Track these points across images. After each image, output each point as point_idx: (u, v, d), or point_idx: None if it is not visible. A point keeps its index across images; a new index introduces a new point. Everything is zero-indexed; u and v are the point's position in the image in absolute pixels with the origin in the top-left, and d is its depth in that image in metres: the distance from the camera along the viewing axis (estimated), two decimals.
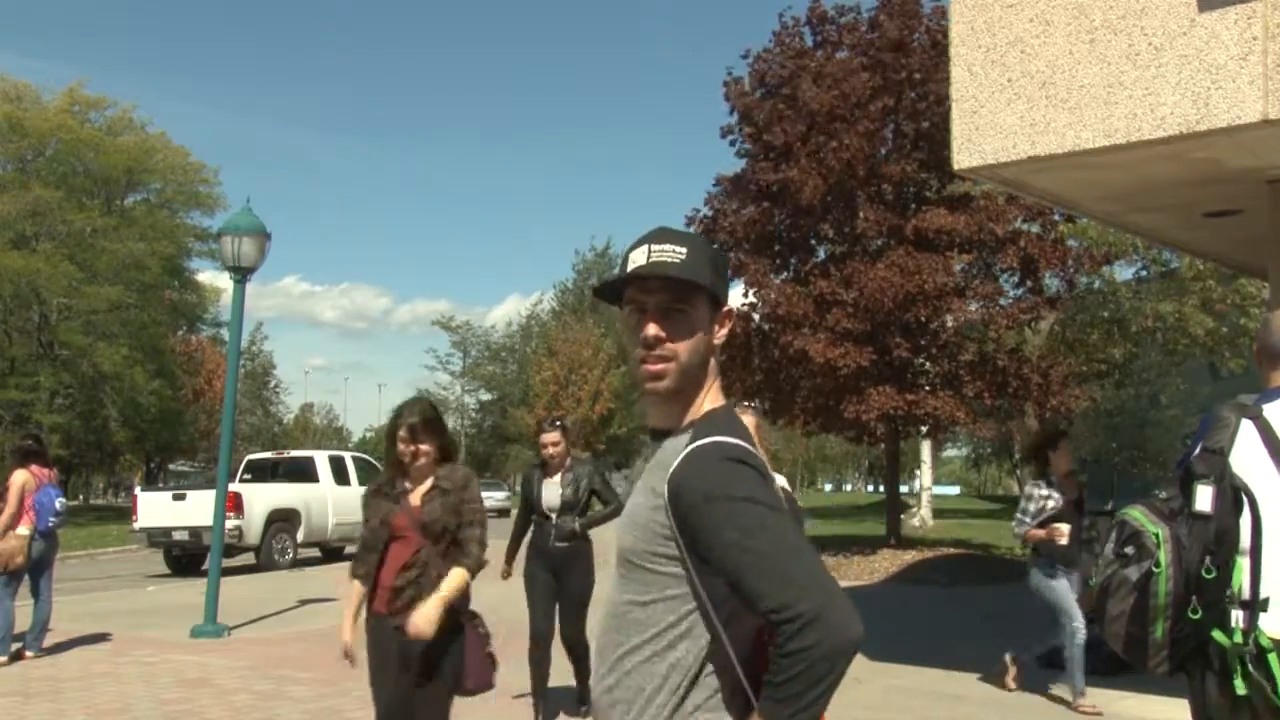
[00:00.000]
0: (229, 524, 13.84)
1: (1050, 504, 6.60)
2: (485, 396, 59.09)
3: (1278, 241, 6.55)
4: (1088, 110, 5.65)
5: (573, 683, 6.39)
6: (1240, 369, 20.66)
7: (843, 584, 2.51)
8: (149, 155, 34.64)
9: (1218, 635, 2.52)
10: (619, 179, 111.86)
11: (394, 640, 3.84)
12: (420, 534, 3.88)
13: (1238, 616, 2.52)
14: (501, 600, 6.62)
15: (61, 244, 31.07)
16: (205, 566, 12.01)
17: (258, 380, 58.27)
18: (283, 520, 17.05)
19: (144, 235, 32.63)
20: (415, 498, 3.97)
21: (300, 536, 17.35)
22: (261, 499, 16.79)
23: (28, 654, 8.34)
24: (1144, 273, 21.45)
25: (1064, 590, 6.56)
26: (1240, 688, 2.49)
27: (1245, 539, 2.54)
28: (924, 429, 17.59)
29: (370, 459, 20.78)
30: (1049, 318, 19.64)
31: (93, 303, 30.11)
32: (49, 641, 8.66)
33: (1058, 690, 6.93)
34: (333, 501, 17.96)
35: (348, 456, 19.77)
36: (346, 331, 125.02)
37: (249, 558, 16.72)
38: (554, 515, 6.22)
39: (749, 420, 3.24)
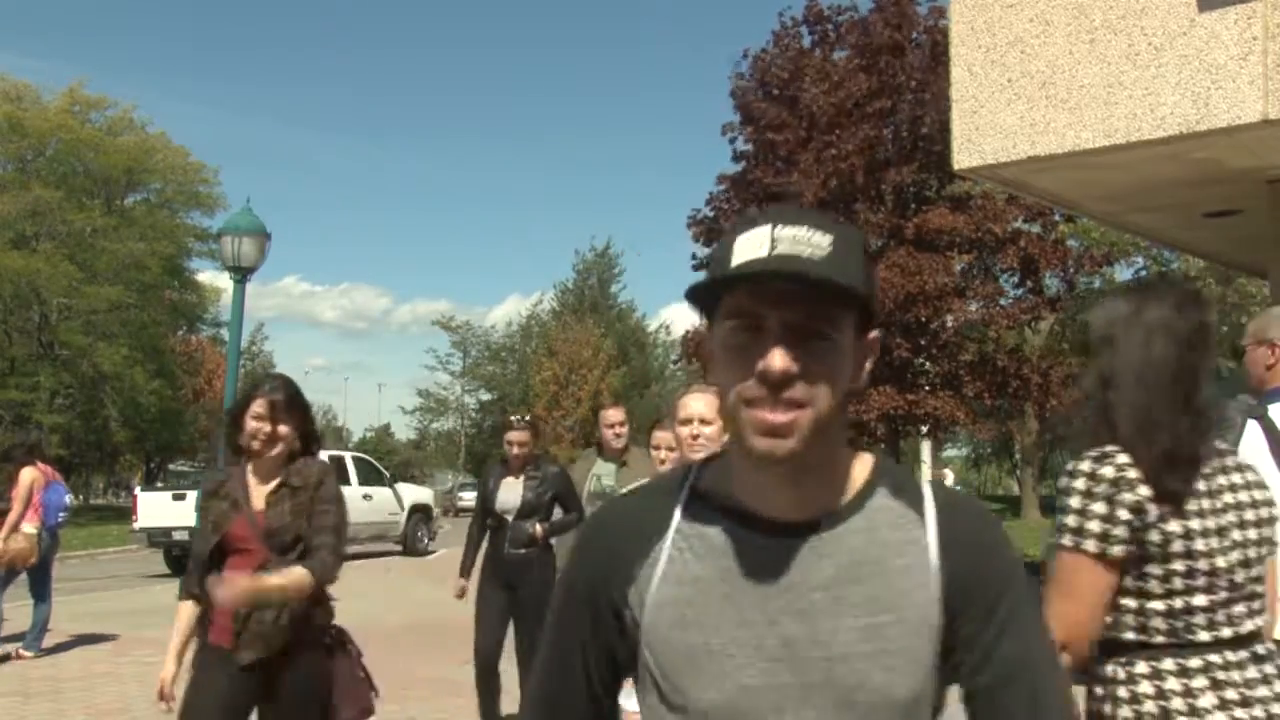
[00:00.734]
0: None
1: None
2: (485, 396, 59.08)
3: (1278, 241, 6.55)
4: (1088, 110, 5.66)
5: None
6: (1243, 371, 20.66)
7: None
8: (149, 155, 34.67)
9: None
10: (619, 179, 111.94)
11: (226, 681, 3.12)
12: (264, 545, 3.17)
13: None
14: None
15: (61, 244, 31.10)
16: None
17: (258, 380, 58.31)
18: None
19: (144, 235, 32.67)
20: (258, 499, 3.25)
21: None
22: None
23: (26, 654, 8.30)
24: (1143, 273, 21.45)
25: None
26: None
27: None
28: (924, 429, 17.60)
29: (370, 459, 20.79)
30: (1049, 318, 19.66)
31: (93, 303, 30.14)
32: (49, 642, 8.65)
33: None
34: None
35: (348, 456, 19.77)
36: (346, 331, 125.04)
37: None
38: (510, 518, 5.65)
39: (712, 400, 2.93)
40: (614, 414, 5.89)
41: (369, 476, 19.10)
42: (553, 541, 5.74)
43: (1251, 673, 1.87)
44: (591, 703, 1.19)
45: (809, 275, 1.02)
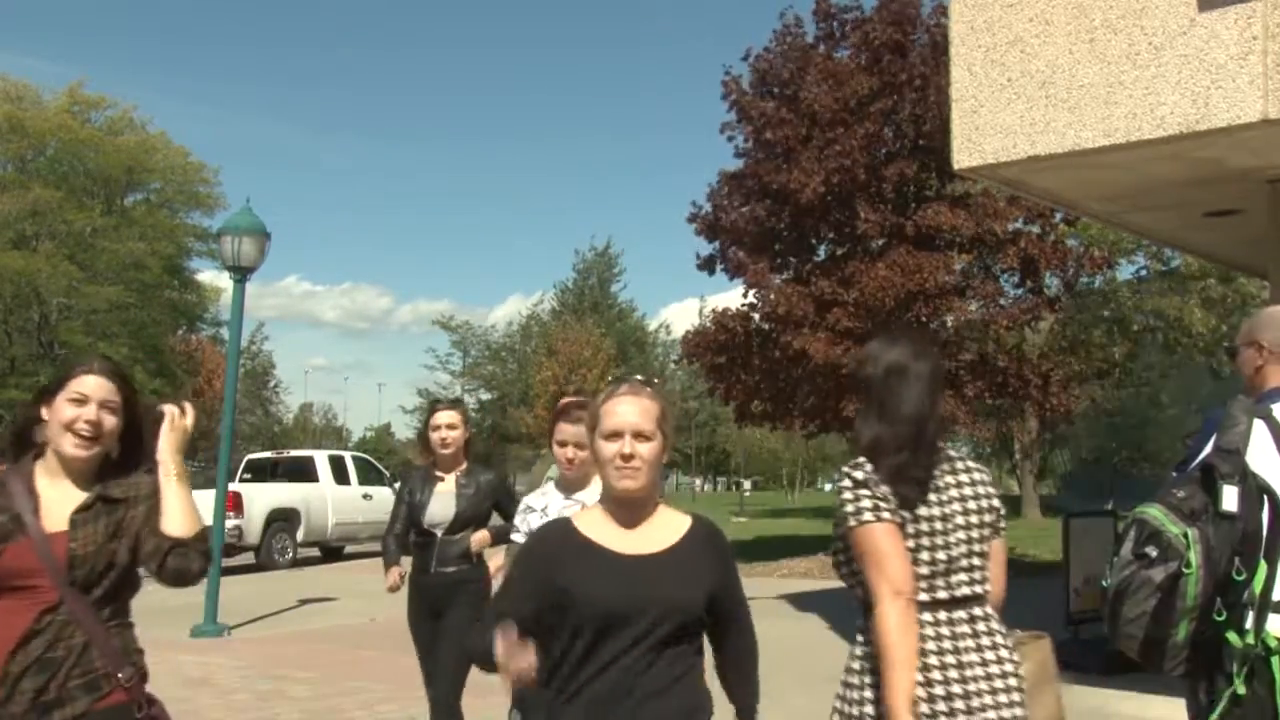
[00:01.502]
0: (229, 523, 13.82)
1: None
2: (485, 396, 59.09)
3: (1278, 241, 6.55)
4: (1088, 110, 5.65)
5: None
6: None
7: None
8: (149, 155, 34.66)
9: (1232, 637, 2.51)
10: (619, 179, 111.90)
11: None
12: (60, 579, 2.31)
13: (1250, 618, 2.52)
14: None
15: (62, 244, 31.10)
16: None
17: (257, 380, 58.31)
18: (282, 520, 17.03)
19: (144, 235, 32.67)
20: (54, 518, 2.36)
21: (300, 536, 17.34)
22: (261, 498, 16.79)
23: None
24: (1143, 272, 21.48)
25: None
26: (1240, 688, 2.49)
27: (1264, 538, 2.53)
28: None
29: (370, 459, 20.79)
30: (1049, 318, 19.66)
31: (93, 302, 30.15)
32: None
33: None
34: (333, 501, 17.96)
35: (348, 456, 19.79)
36: (348, 331, 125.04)
37: (249, 557, 16.72)
38: (440, 533, 4.79)
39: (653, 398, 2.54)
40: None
41: (369, 476, 19.12)
42: (487, 558, 4.92)
43: (963, 629, 2.36)
44: None
45: None
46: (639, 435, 2.23)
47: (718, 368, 17.23)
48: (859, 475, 2.40)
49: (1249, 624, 2.51)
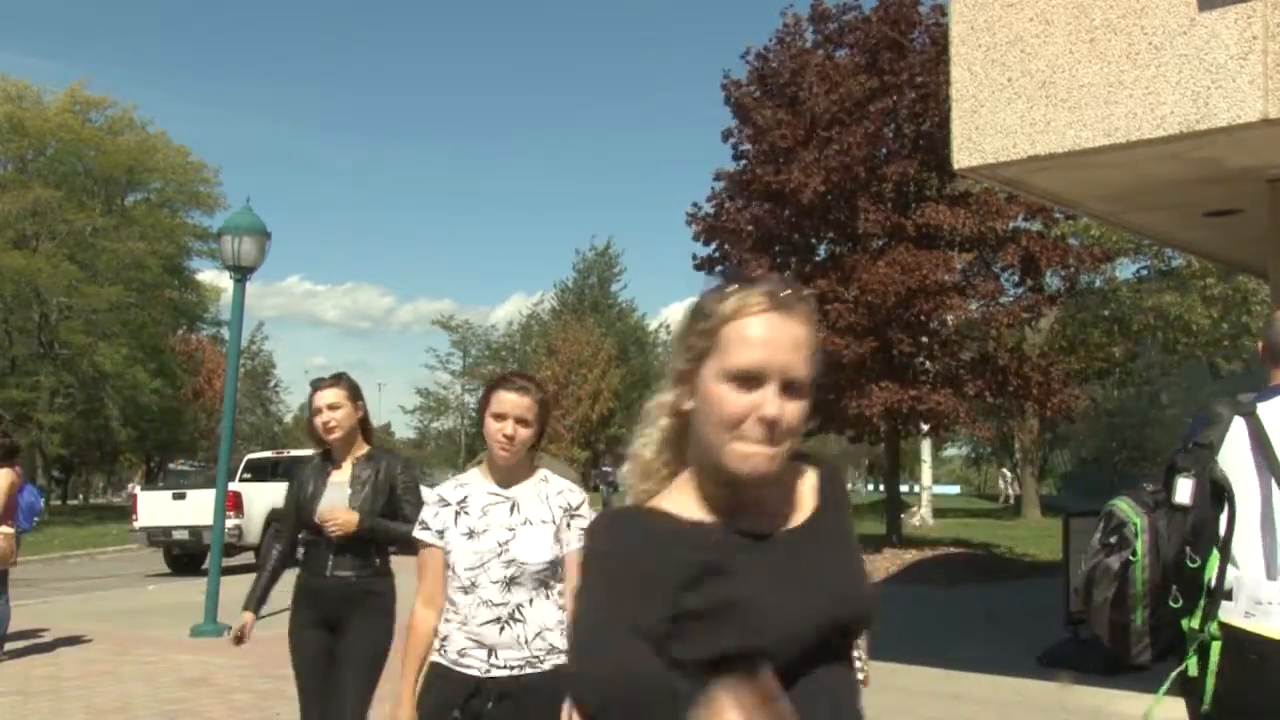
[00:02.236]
0: (229, 523, 13.83)
1: None
2: None
3: (1278, 241, 6.55)
4: (1088, 110, 5.65)
5: None
6: (1242, 369, 20.69)
7: None
8: (149, 155, 34.64)
9: (1185, 623, 2.62)
10: (619, 179, 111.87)
11: None
12: None
13: (1203, 605, 2.62)
14: None
15: (62, 244, 31.09)
16: (205, 566, 12.01)
17: (258, 379, 58.31)
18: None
19: (144, 235, 32.65)
20: None
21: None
22: (261, 498, 16.77)
23: None
24: (1143, 271, 21.47)
25: None
26: (1192, 669, 2.60)
27: (1221, 531, 2.62)
28: (925, 426, 17.58)
29: None
30: (1049, 316, 19.65)
31: (93, 302, 30.13)
32: (48, 638, 8.62)
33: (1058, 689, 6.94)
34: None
35: None
36: (349, 331, 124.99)
37: (249, 557, 16.70)
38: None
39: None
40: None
41: None
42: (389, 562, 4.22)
43: None
44: None
45: None
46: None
47: None
48: None
49: (1200, 610, 2.60)
